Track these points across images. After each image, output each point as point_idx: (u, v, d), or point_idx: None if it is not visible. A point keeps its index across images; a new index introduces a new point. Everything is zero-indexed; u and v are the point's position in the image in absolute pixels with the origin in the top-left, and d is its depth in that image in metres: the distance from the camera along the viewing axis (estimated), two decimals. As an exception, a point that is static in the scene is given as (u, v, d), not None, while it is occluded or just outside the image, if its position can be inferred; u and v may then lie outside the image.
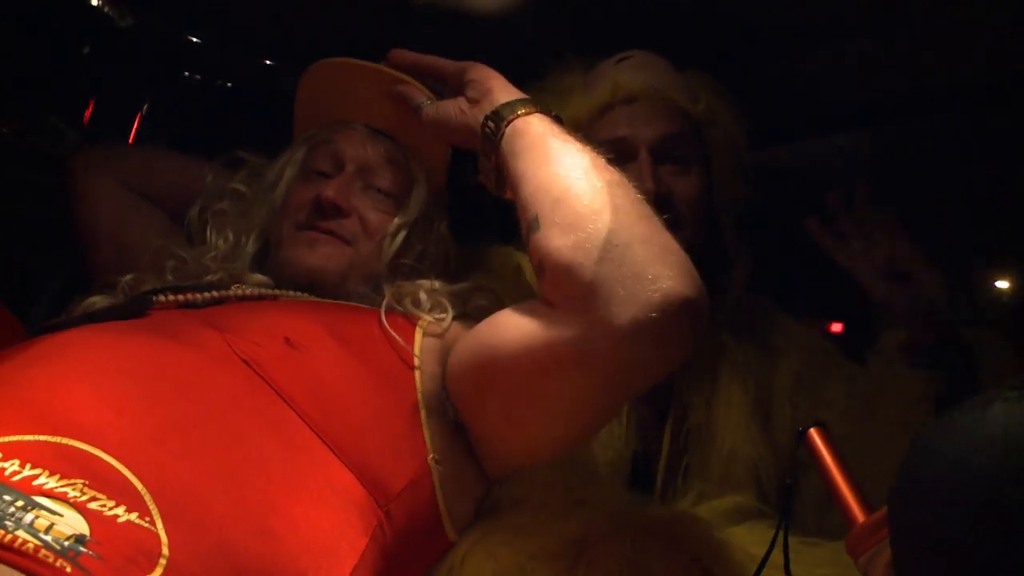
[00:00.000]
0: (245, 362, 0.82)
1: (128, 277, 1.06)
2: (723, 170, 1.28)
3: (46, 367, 0.74)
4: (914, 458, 0.55)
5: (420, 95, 1.06)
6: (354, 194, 1.12)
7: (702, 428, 1.21)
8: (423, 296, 1.03)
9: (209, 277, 1.08)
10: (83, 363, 0.76)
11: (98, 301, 1.01)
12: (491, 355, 0.86)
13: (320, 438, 0.79)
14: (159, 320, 0.90)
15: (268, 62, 1.57)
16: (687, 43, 1.29)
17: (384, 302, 1.00)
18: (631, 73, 1.26)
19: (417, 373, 0.91)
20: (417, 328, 0.97)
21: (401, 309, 1.00)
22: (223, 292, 1.00)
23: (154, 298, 0.95)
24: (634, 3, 1.29)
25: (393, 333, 0.94)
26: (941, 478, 0.52)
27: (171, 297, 0.96)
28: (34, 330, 0.89)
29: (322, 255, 1.09)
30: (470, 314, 1.03)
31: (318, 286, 1.08)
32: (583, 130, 1.20)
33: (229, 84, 1.61)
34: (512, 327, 0.85)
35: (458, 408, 0.90)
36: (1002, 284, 1.49)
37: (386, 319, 0.96)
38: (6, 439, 0.63)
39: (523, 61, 1.07)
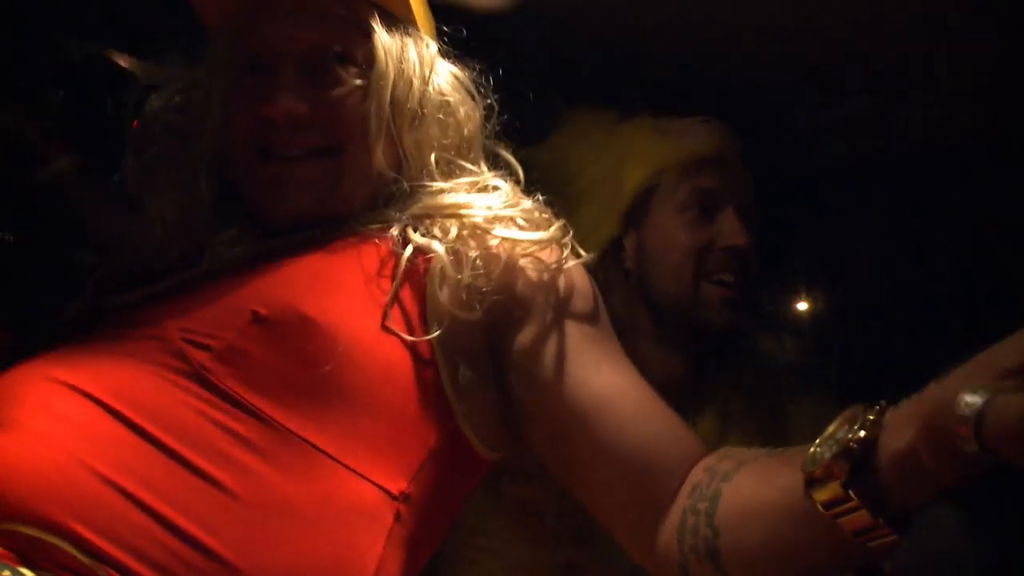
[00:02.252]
0: (200, 374, 0.72)
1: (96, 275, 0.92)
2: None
3: None
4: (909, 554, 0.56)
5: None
6: (306, 84, 0.86)
7: None
8: (452, 225, 0.85)
9: (173, 248, 0.89)
10: (28, 430, 0.67)
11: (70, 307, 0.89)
12: (579, 435, 0.81)
13: (313, 446, 0.73)
14: (104, 333, 0.78)
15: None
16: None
17: (394, 230, 0.85)
18: (724, 136, 1.34)
19: (429, 319, 0.81)
20: (430, 275, 0.82)
21: (421, 241, 0.83)
22: (183, 275, 0.83)
23: (105, 303, 0.83)
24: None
25: (399, 322, 0.81)
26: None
27: (122, 296, 0.83)
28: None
29: (311, 195, 0.87)
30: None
31: (318, 223, 0.87)
32: (673, 176, 1.30)
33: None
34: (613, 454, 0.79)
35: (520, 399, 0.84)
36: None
37: (400, 256, 0.82)
38: None
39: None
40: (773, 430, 1.28)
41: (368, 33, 0.88)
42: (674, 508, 0.76)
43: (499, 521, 1.18)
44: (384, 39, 0.88)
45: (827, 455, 0.59)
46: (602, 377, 0.82)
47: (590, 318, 0.87)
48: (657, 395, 0.84)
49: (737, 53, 1.32)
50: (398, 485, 0.77)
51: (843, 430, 0.59)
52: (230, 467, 0.69)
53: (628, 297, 1.32)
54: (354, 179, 0.88)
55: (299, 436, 0.73)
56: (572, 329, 0.84)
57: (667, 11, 1.25)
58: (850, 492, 0.57)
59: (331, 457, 0.73)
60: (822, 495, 0.59)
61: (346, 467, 0.74)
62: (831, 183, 1.57)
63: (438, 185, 0.90)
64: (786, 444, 1.23)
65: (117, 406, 0.69)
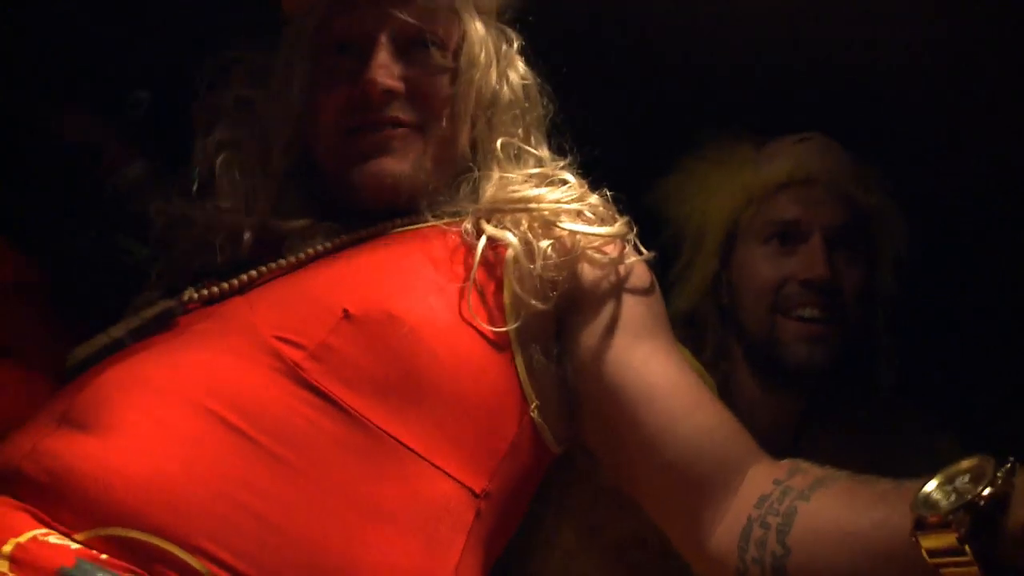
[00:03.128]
0: (294, 372, 0.72)
1: (158, 269, 0.95)
2: (885, 265, 1.28)
3: (84, 443, 0.66)
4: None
5: None
6: (399, 63, 0.89)
7: None
8: (523, 218, 0.86)
9: (245, 239, 0.90)
10: (131, 434, 0.67)
11: (141, 300, 0.90)
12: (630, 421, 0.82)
13: (402, 444, 0.73)
14: (192, 328, 0.78)
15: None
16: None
17: (467, 223, 0.86)
18: (812, 155, 1.26)
19: (508, 310, 0.82)
20: (507, 266, 0.83)
21: (496, 235, 0.84)
22: (261, 270, 0.84)
23: (185, 298, 0.83)
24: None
25: (477, 312, 0.81)
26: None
27: (203, 292, 0.83)
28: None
29: (394, 160, 0.88)
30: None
31: (398, 196, 0.89)
32: (755, 205, 1.25)
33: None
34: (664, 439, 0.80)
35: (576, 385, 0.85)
36: None
37: (475, 248, 0.83)
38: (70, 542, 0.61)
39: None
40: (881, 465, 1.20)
41: (459, 21, 0.92)
42: (735, 511, 0.76)
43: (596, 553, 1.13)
44: (474, 28, 0.92)
45: (945, 504, 0.57)
46: (655, 366, 0.84)
47: (647, 312, 0.88)
48: (712, 395, 0.85)
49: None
50: (480, 483, 0.77)
51: (965, 481, 0.57)
52: (328, 467, 0.70)
53: (723, 336, 1.27)
54: (437, 156, 0.91)
55: (389, 434, 0.73)
56: (629, 319, 0.86)
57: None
58: (966, 547, 0.55)
59: (419, 455, 0.74)
60: (932, 542, 0.57)
61: (433, 465, 0.74)
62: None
63: (509, 175, 0.91)
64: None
65: (216, 407, 0.69)
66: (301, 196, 0.94)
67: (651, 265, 0.93)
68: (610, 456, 0.87)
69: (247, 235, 0.91)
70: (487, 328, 0.80)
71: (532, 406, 0.82)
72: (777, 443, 1.21)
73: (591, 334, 0.85)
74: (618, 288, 0.87)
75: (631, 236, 0.90)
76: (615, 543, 1.02)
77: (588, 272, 0.87)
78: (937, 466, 1.12)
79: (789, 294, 1.20)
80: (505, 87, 0.95)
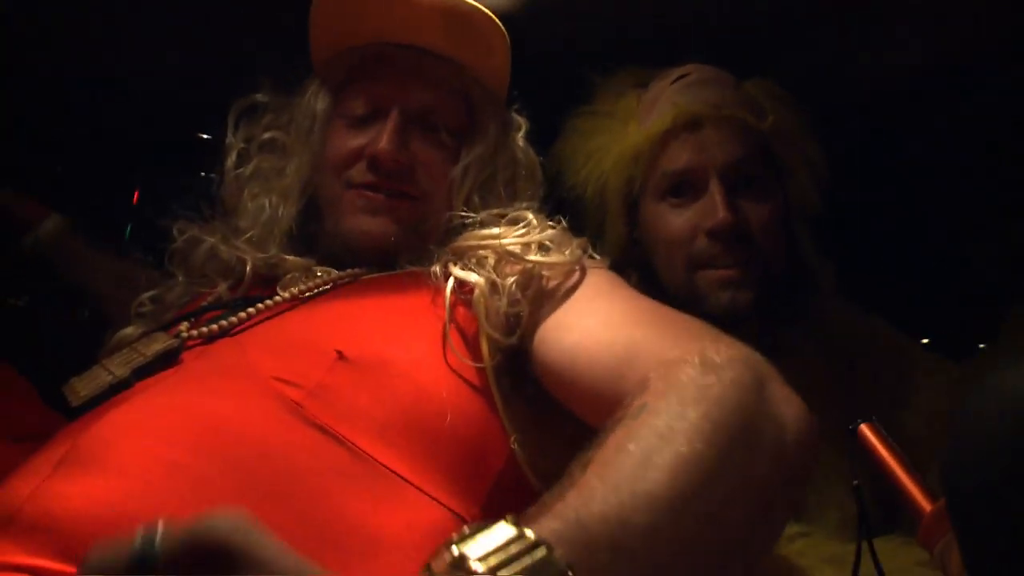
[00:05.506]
0: (296, 411, 0.74)
1: (147, 296, 1.00)
2: (798, 183, 1.21)
3: (91, 486, 0.65)
4: (960, 427, 0.53)
5: None
6: (410, 139, 0.99)
7: None
8: (489, 257, 0.91)
9: (247, 270, 0.97)
10: (130, 475, 0.66)
11: (130, 333, 0.95)
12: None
13: (398, 476, 0.75)
14: (193, 368, 0.81)
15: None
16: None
17: (436, 267, 0.90)
18: (690, 94, 1.18)
19: (485, 351, 0.85)
20: (476, 305, 0.87)
21: (462, 276, 0.89)
22: (259, 307, 0.89)
23: (184, 334, 0.86)
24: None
25: (457, 332, 0.86)
26: (990, 438, 0.50)
27: (203, 330, 0.87)
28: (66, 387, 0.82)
29: (388, 221, 0.97)
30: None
31: (385, 252, 0.97)
32: (646, 160, 1.18)
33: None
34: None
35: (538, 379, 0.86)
36: None
37: (444, 290, 0.87)
38: None
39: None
40: (847, 378, 1.16)
41: (468, 107, 1.03)
42: None
43: None
44: (481, 116, 1.03)
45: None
46: (585, 320, 0.82)
47: (597, 287, 0.89)
48: (644, 312, 0.81)
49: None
50: (471, 511, 0.78)
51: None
52: (328, 498, 0.70)
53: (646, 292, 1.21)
54: (428, 222, 1.00)
55: (386, 466, 0.74)
56: (576, 299, 0.87)
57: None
58: None
59: (414, 485, 0.75)
60: None
61: (427, 494, 0.75)
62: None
63: (474, 218, 0.98)
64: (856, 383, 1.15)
65: (223, 449, 0.68)
66: (306, 237, 1.02)
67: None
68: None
69: (249, 267, 0.98)
70: (467, 366, 0.84)
71: (512, 439, 0.84)
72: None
73: (545, 325, 0.86)
74: (572, 285, 0.89)
75: (588, 255, 0.94)
76: None
77: (549, 290, 0.89)
78: (905, 370, 1.13)
79: (700, 247, 1.14)
80: (502, 169, 1.03)
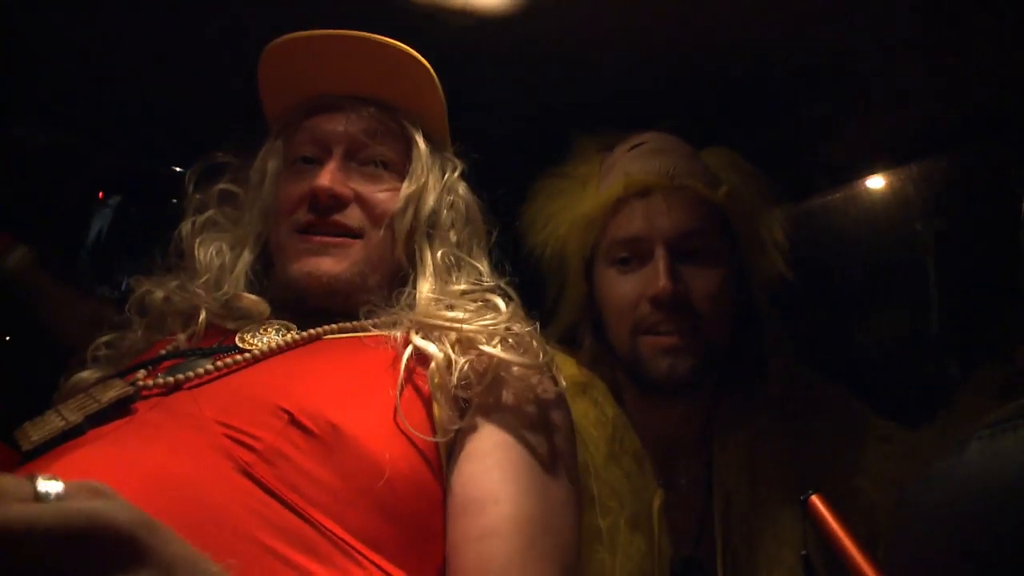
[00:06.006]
0: (246, 472, 0.74)
1: (103, 340, 1.01)
2: (754, 253, 1.23)
3: None
4: (901, 511, 0.54)
5: None
6: (350, 176, 1.02)
7: (748, 518, 1.15)
8: (451, 334, 0.91)
9: (201, 318, 0.98)
10: None
11: (86, 377, 0.96)
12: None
13: (343, 540, 0.74)
14: (146, 419, 0.80)
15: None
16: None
17: (397, 332, 0.91)
18: (643, 162, 1.20)
19: (437, 423, 0.86)
20: (430, 378, 0.88)
21: (421, 346, 0.90)
22: (218, 365, 0.88)
23: (140, 383, 0.86)
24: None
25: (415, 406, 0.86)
26: (925, 527, 0.51)
27: (159, 381, 0.86)
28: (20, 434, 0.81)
29: (332, 261, 0.98)
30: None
31: (334, 295, 0.97)
32: (599, 227, 1.20)
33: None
34: None
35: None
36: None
37: (403, 362, 0.87)
38: None
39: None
40: (801, 444, 1.18)
41: (408, 148, 1.05)
42: None
43: None
44: (421, 155, 1.04)
45: None
46: (506, 487, 0.83)
47: (539, 441, 0.89)
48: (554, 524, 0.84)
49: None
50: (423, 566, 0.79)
51: None
52: (275, 566, 0.70)
53: (599, 348, 1.24)
54: (374, 262, 1.00)
55: (333, 532, 0.74)
56: (512, 440, 0.87)
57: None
58: None
59: (359, 553, 0.75)
60: None
61: (372, 563, 0.75)
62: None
63: (446, 288, 0.99)
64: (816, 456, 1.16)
65: (168, 506, 0.66)
66: (261, 288, 1.03)
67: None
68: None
69: (203, 315, 0.98)
70: (419, 438, 0.83)
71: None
72: (681, 441, 1.21)
73: (473, 439, 0.87)
74: (520, 417, 0.89)
75: (550, 368, 0.94)
76: None
77: (497, 394, 0.90)
78: (858, 437, 1.16)
79: (644, 314, 1.16)
80: (444, 208, 1.05)
